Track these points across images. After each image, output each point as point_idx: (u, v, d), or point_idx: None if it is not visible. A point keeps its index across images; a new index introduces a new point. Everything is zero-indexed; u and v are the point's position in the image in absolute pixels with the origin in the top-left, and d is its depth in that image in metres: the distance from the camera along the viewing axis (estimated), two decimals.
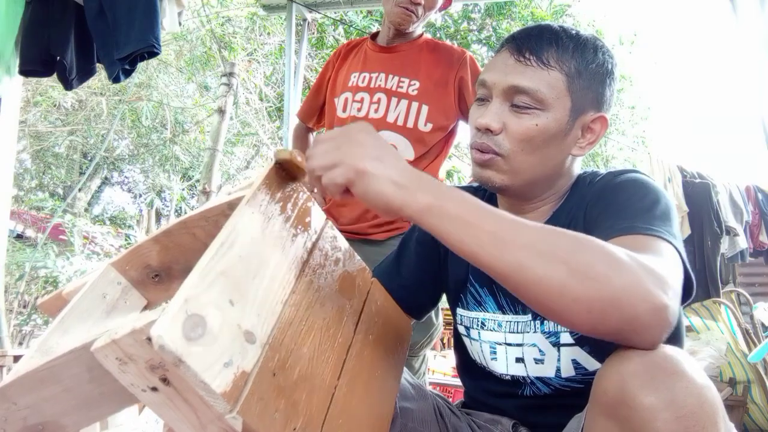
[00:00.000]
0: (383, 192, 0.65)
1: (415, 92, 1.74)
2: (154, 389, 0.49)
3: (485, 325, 0.96)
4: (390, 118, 1.73)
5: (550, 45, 0.87)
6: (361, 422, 0.68)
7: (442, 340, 7.47)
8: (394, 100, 1.74)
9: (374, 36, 1.90)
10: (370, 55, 1.85)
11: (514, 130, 0.87)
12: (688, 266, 0.73)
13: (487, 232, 0.63)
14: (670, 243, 0.72)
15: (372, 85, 1.77)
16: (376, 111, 1.74)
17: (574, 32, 0.90)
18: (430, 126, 1.73)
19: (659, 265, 0.65)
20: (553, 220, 0.94)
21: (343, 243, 0.77)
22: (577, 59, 0.88)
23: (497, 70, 0.89)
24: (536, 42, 0.88)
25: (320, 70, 2.04)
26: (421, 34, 1.86)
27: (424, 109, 1.72)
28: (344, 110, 1.79)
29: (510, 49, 0.89)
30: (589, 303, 0.60)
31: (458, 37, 7.72)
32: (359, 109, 1.76)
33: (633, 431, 0.57)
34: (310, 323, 0.63)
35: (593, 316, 0.60)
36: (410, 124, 1.72)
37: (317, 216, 0.72)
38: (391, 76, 1.76)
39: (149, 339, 0.45)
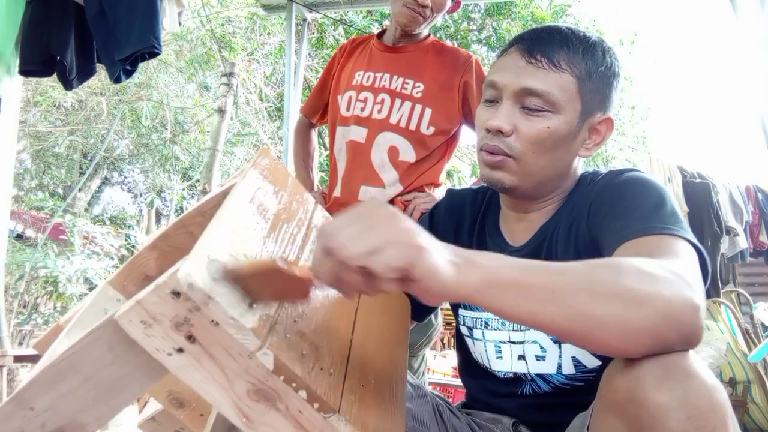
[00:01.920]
0: (442, 270, 0.55)
1: (419, 95, 1.73)
2: (180, 350, 0.49)
3: (489, 325, 0.97)
4: (393, 120, 1.72)
5: (561, 47, 0.87)
6: (379, 372, 0.69)
7: (442, 340, 7.47)
8: (397, 101, 1.73)
9: (380, 34, 1.89)
10: (375, 54, 1.84)
11: (526, 132, 0.87)
12: (705, 255, 0.74)
13: (539, 287, 0.59)
14: (687, 239, 0.73)
15: (376, 85, 1.76)
16: (379, 112, 1.74)
17: (581, 34, 0.91)
18: (432, 129, 1.72)
19: (684, 267, 0.66)
20: (556, 218, 0.94)
21: None
22: (587, 62, 0.88)
23: (508, 72, 0.89)
24: (547, 44, 0.88)
25: (320, 70, 2.03)
26: (428, 36, 1.85)
27: (427, 111, 1.72)
28: (348, 109, 1.79)
29: (520, 51, 0.89)
30: (647, 331, 0.59)
31: (458, 37, 7.72)
32: (363, 109, 1.75)
33: (642, 429, 0.57)
34: None
35: (651, 339, 0.59)
36: (413, 126, 1.72)
37: (307, 197, 0.76)
38: (395, 77, 1.75)
39: (174, 292, 0.47)
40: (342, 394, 0.56)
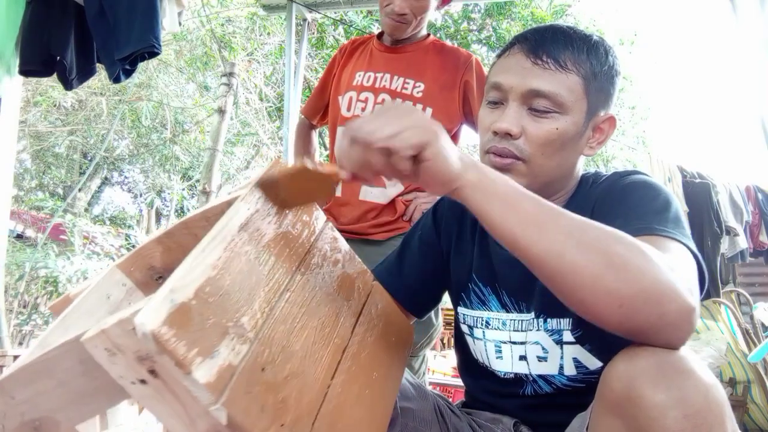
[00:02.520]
0: (450, 157, 0.64)
1: (420, 94, 1.73)
2: (143, 382, 0.48)
3: (489, 324, 0.97)
4: None
5: (566, 47, 0.87)
6: (355, 423, 0.66)
7: (442, 340, 7.47)
8: (398, 101, 1.73)
9: (381, 35, 1.89)
10: (375, 54, 1.84)
11: (535, 134, 0.86)
12: (703, 265, 0.74)
13: (529, 213, 0.64)
14: (686, 245, 0.73)
15: (377, 86, 1.77)
16: None
17: (583, 33, 0.90)
18: None
19: (682, 267, 0.67)
20: None
21: (343, 245, 0.77)
22: (592, 62, 0.88)
23: (513, 73, 0.88)
24: (552, 44, 0.87)
25: (320, 70, 2.04)
26: (428, 35, 1.85)
27: (428, 111, 1.72)
28: (348, 109, 1.79)
29: (524, 51, 0.88)
30: (621, 297, 0.60)
31: (458, 37, 7.72)
32: (363, 109, 1.76)
33: (640, 429, 0.57)
34: (304, 322, 0.62)
35: (624, 310, 0.60)
36: None
37: (316, 216, 0.72)
38: (396, 77, 1.76)
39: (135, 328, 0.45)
40: None
